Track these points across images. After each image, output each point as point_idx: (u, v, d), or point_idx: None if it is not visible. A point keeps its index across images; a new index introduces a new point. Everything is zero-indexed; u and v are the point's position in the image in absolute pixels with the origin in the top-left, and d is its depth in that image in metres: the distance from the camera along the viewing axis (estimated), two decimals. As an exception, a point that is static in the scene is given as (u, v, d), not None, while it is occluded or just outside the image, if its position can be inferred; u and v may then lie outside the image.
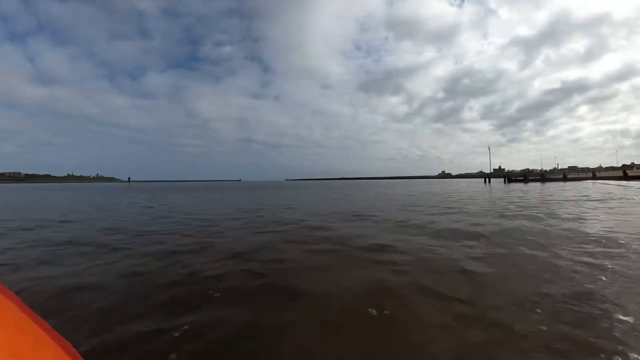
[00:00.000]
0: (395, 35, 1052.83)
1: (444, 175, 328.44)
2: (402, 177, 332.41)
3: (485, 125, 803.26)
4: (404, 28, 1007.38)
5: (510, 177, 52.69)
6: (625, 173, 37.40)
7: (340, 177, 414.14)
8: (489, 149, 62.62)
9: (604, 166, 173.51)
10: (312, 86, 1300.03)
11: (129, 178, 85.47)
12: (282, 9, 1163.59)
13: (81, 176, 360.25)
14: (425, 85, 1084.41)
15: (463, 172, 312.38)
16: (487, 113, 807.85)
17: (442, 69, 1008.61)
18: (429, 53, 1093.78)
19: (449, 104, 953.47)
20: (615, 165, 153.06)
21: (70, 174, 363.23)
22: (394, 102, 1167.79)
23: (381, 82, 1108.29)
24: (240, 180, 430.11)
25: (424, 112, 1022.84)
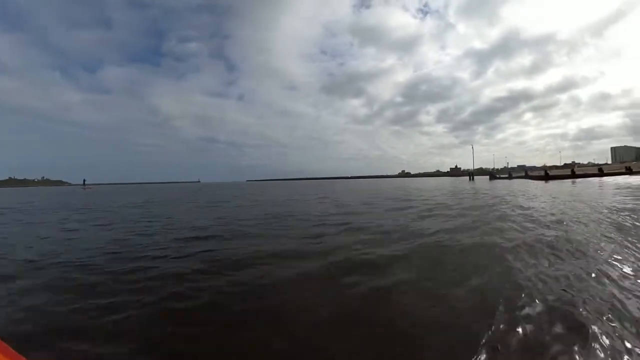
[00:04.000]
0: (360, 42, 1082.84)
1: (403, 175, 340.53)
2: (364, 177, 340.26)
3: (440, 128, 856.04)
4: (369, 35, 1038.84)
5: (494, 174, 57.04)
6: (601, 169, 42.29)
7: (304, 177, 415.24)
8: (472, 147, 66.77)
9: (548, 165, 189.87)
10: (277, 86, 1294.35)
11: (84, 181, 73.39)
12: (254, 9, 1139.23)
13: (25, 179, 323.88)
14: (385, 89, 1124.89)
15: (421, 171, 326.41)
16: (442, 117, 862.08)
17: (402, 76, 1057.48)
18: (390, 60, 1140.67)
19: (407, 108, 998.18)
20: (558, 164, 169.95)
21: (12, 177, 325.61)
22: (356, 105, 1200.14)
23: (344, 85, 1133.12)
24: (199, 181, 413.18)
25: (383, 114, 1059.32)
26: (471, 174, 58.43)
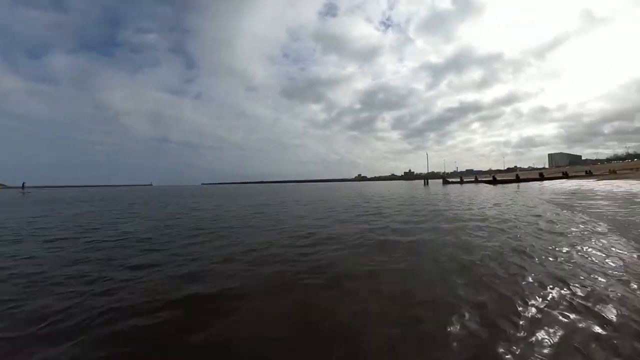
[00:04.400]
0: (323, 48, 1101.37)
1: (360, 178, 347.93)
2: (322, 180, 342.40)
3: (395, 135, 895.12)
4: (333, 43, 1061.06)
5: (446, 179, 58.98)
6: (541, 174, 45.10)
7: (261, 180, 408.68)
8: (427, 154, 68.71)
9: (493, 169, 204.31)
10: (237, 87, 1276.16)
11: (23, 184, 60.22)
12: (217, 4, 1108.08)
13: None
14: (345, 96, 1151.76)
15: (377, 175, 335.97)
16: (397, 124, 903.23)
17: (361, 84, 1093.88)
18: (351, 68, 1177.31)
19: (364, 115, 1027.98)
20: (502, 168, 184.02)
21: None
22: (315, 110, 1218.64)
23: (304, 89, 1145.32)
24: (151, 184, 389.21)
25: (342, 120, 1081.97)
26: (425, 178, 60.12)
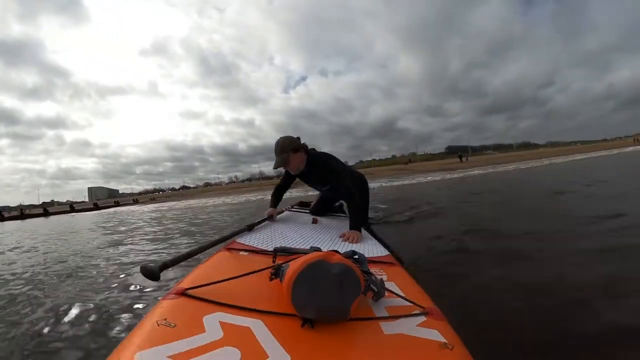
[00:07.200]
0: None
1: None
2: None
3: None
4: None
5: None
6: (97, 205, 49.34)
7: None
8: None
9: (25, 204, 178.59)
10: None
11: None
12: None
13: None
14: None
15: None
16: None
17: None
18: None
19: None
20: (36, 203, 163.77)
21: None
22: None
23: None
24: None
25: None
26: None
